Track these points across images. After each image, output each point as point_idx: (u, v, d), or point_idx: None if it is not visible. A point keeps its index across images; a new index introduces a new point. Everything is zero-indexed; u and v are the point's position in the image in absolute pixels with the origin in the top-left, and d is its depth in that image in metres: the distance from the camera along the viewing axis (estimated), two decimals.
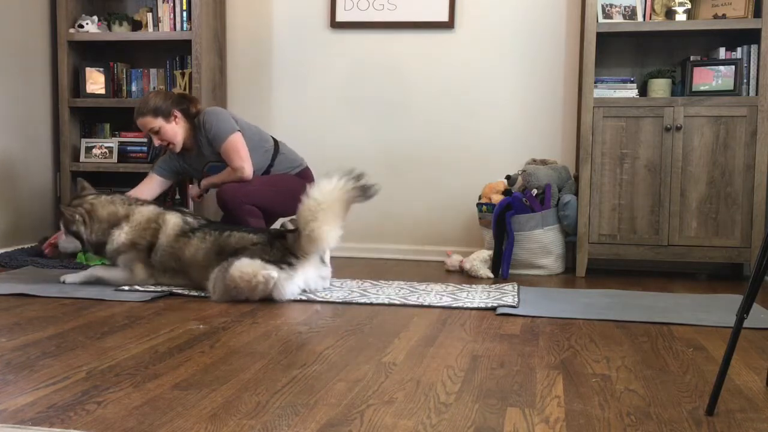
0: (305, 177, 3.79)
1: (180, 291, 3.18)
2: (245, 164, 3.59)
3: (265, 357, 2.22)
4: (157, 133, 3.60)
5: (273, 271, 2.98)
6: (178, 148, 3.67)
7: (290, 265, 3.07)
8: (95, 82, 4.45)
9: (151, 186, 3.77)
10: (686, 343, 2.48)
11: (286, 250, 3.09)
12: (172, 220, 3.25)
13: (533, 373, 2.10)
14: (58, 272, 3.59)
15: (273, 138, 3.82)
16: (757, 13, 3.71)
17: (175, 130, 3.63)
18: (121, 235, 3.25)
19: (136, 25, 4.48)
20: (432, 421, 1.71)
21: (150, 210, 3.29)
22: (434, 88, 4.38)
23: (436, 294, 3.23)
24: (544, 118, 4.28)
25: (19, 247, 4.17)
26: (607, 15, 3.87)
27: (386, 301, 3.07)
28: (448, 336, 2.53)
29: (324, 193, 3.05)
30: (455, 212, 4.39)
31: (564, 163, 4.20)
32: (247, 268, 2.98)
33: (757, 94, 3.70)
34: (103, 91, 4.45)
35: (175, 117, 3.62)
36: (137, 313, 2.81)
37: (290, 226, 3.54)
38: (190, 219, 3.28)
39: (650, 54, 4.09)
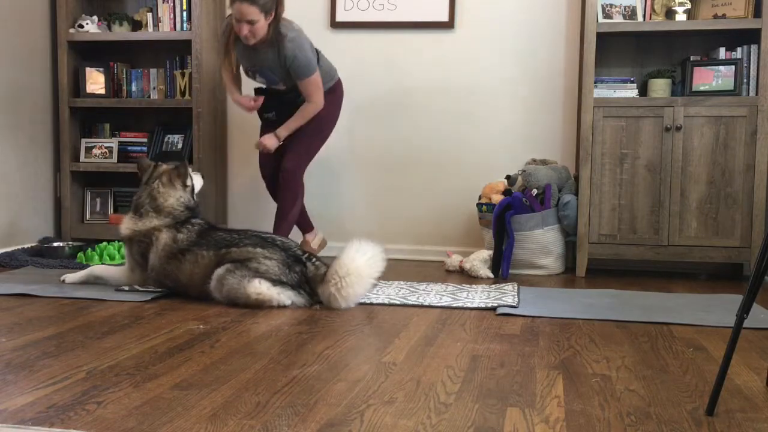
0: (336, 91, 3.88)
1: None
2: (322, 98, 3.74)
3: (265, 357, 2.22)
4: (251, 23, 3.59)
5: (288, 300, 2.93)
6: (252, 42, 3.65)
7: (307, 293, 2.98)
8: (95, 82, 4.45)
9: (226, 64, 3.84)
10: (686, 343, 2.48)
11: (304, 278, 2.99)
12: (163, 239, 3.10)
13: (533, 373, 2.10)
14: (58, 272, 3.59)
15: (316, 49, 3.85)
16: (757, 13, 3.70)
17: (265, 28, 3.63)
18: (125, 229, 3.20)
19: (136, 25, 4.48)
20: (432, 421, 1.71)
21: (153, 223, 3.14)
22: (434, 88, 4.37)
23: (436, 294, 3.23)
24: (544, 118, 4.28)
25: (19, 247, 4.17)
26: (607, 15, 3.87)
27: (386, 301, 3.07)
28: (448, 336, 2.52)
29: (358, 256, 2.93)
30: (455, 212, 4.39)
31: (564, 163, 4.20)
32: (263, 295, 2.89)
33: (757, 94, 3.70)
34: (103, 91, 4.45)
35: (271, 16, 3.63)
36: (137, 313, 2.81)
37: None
38: (182, 235, 3.09)
39: (650, 54, 4.09)
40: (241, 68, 3.91)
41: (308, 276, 2.99)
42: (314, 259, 3.05)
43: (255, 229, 3.20)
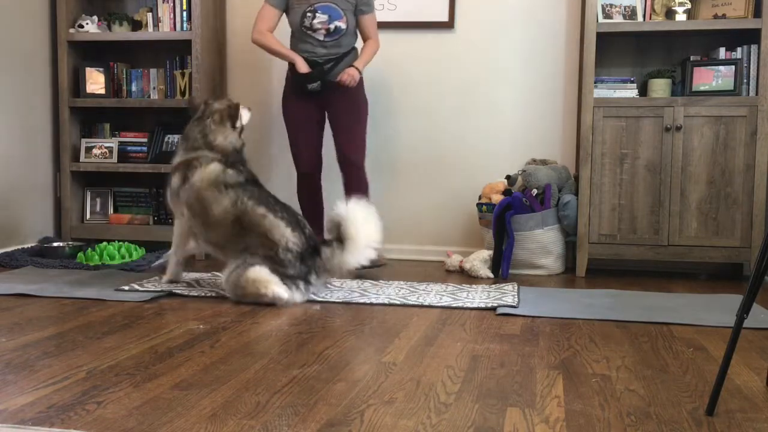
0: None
1: (180, 291, 3.18)
2: (379, 38, 3.95)
3: (265, 357, 2.22)
4: None
5: (284, 293, 2.95)
6: None
7: (308, 283, 3.05)
8: (95, 82, 4.45)
9: (272, 18, 3.84)
10: (686, 343, 2.48)
11: (313, 267, 3.07)
12: (212, 166, 3.17)
13: (533, 373, 2.10)
14: (58, 272, 3.60)
15: None
16: (757, 13, 3.70)
17: None
18: (177, 159, 3.31)
19: (136, 25, 4.48)
20: (432, 421, 1.71)
21: (204, 153, 3.23)
22: (434, 88, 4.37)
23: (436, 294, 3.23)
24: (544, 118, 4.28)
25: (19, 247, 4.17)
26: (607, 15, 3.87)
27: (386, 301, 3.07)
28: (448, 336, 2.53)
29: (360, 213, 3.09)
30: (455, 212, 4.39)
31: (564, 163, 4.20)
32: (262, 277, 2.95)
33: (757, 94, 3.70)
34: (103, 91, 4.45)
35: None
36: (137, 313, 2.81)
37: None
38: (231, 172, 3.17)
39: (650, 54, 4.09)
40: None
41: (322, 261, 3.09)
42: (330, 244, 3.14)
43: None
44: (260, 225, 3.05)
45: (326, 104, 3.87)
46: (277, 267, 2.98)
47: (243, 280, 2.96)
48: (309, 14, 3.75)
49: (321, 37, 3.77)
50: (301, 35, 3.81)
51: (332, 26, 3.75)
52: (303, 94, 3.84)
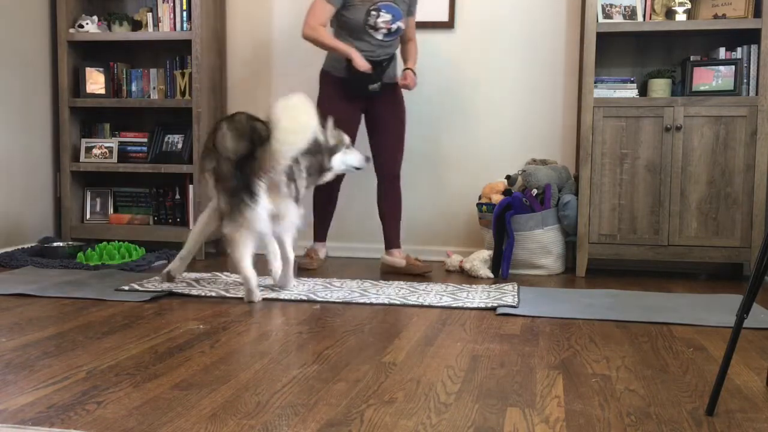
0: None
1: (180, 291, 3.18)
2: None
3: (265, 357, 2.22)
4: None
5: (252, 275, 3.01)
6: None
7: (252, 193, 2.91)
8: (95, 82, 4.45)
9: (327, 14, 3.67)
10: (686, 343, 2.48)
11: (252, 173, 2.92)
12: None
13: (533, 373, 2.10)
14: (59, 272, 3.60)
15: None
16: (757, 13, 3.71)
17: None
18: None
19: (136, 25, 4.48)
20: (432, 421, 1.71)
21: None
22: (434, 88, 4.37)
23: (436, 294, 3.23)
24: (544, 118, 4.28)
25: (19, 247, 4.17)
26: (607, 15, 3.87)
27: (386, 301, 3.07)
28: (448, 336, 2.53)
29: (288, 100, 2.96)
30: (455, 212, 4.39)
31: (564, 163, 4.20)
32: (235, 255, 3.00)
33: (757, 94, 3.70)
34: (103, 91, 4.45)
35: None
36: (137, 313, 2.81)
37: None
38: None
39: (650, 54, 4.09)
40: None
41: (257, 164, 2.93)
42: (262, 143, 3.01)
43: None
44: (215, 137, 3.00)
45: (370, 107, 3.85)
46: (221, 181, 2.95)
47: (226, 238, 3.03)
48: (373, 12, 3.66)
49: (380, 37, 3.70)
50: (361, 34, 3.69)
51: (394, 26, 3.71)
52: (358, 94, 3.74)
